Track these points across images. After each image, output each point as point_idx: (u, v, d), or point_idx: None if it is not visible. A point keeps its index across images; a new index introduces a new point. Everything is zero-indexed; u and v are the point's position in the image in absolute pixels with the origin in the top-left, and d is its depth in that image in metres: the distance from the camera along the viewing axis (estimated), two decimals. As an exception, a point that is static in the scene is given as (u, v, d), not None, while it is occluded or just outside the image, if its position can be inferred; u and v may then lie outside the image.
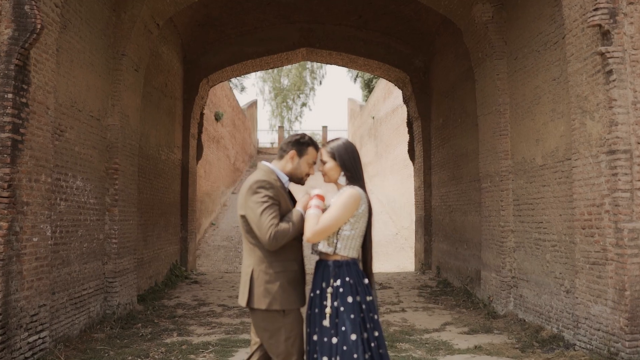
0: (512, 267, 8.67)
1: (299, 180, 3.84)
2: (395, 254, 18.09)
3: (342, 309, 3.57)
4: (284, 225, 3.56)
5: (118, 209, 8.66)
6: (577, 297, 6.41)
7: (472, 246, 10.86)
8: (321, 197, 3.70)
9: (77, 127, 7.53)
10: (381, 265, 16.65)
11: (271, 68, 16.67)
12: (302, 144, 3.86)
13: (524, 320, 8.08)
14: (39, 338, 6.02)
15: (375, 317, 3.70)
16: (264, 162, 3.87)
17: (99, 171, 8.37)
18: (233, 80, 33.82)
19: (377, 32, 14.84)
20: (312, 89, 44.54)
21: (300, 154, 3.84)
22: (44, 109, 6.21)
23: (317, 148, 3.90)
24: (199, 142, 15.13)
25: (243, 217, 3.69)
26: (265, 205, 3.56)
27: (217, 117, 20.55)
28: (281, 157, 3.88)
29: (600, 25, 5.80)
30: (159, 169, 11.94)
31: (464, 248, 11.48)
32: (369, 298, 3.68)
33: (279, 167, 3.84)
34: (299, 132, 3.99)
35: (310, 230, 3.55)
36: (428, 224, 14.44)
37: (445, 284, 12.05)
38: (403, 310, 9.43)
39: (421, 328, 8.00)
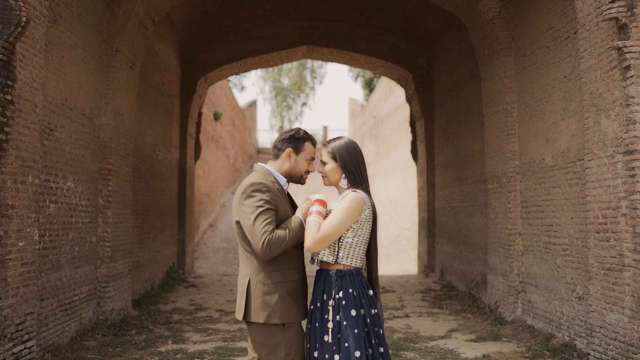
0: (520, 271, 8.37)
1: (299, 179, 3.54)
2: (397, 256, 17.79)
3: (345, 323, 3.28)
4: (280, 233, 3.26)
5: (112, 210, 8.37)
6: (590, 305, 6.11)
7: (478, 249, 10.56)
8: (322, 203, 3.39)
9: (67, 126, 7.23)
10: (383, 267, 16.34)
11: (271, 66, 16.39)
12: (298, 139, 3.55)
13: (533, 327, 7.77)
14: (25, 348, 5.71)
15: (381, 331, 3.41)
16: (260, 164, 3.57)
17: (92, 172, 8.07)
18: (233, 79, 33.56)
19: (379, 30, 14.53)
20: (313, 88, 44.23)
21: (297, 150, 3.53)
22: (31, 106, 5.91)
23: (314, 142, 3.60)
24: (197, 141, 14.83)
25: (238, 223, 3.40)
26: (260, 210, 3.26)
27: (216, 117, 20.25)
28: (277, 156, 3.56)
29: (616, 19, 5.49)
30: (156, 169, 11.64)
31: (468, 251, 11.18)
32: (373, 311, 3.39)
33: (276, 168, 3.53)
34: (293, 127, 3.65)
35: (310, 238, 3.25)
36: (431, 225, 14.13)
37: (449, 288, 11.74)
38: (407, 315, 9.12)
39: (426, 335, 7.69)
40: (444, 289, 11.73)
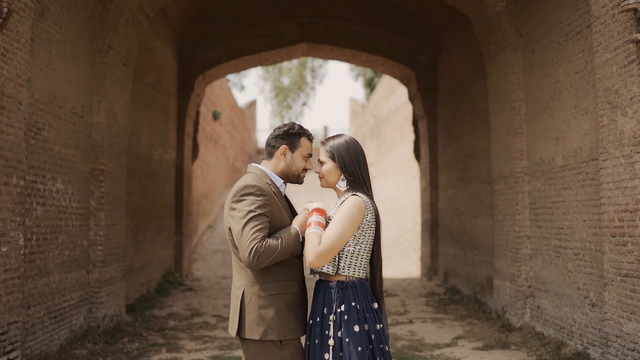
0: (529, 275, 8.05)
1: (296, 178, 3.22)
2: (399, 257, 17.48)
3: (347, 340, 2.98)
4: (271, 242, 2.93)
5: (104, 213, 8.05)
6: (606, 312, 5.79)
7: (483, 252, 10.24)
8: (321, 212, 3.07)
9: (56, 125, 6.92)
10: (384, 269, 15.92)
11: (270, 64, 16.09)
12: (293, 135, 3.23)
13: (543, 334, 7.45)
14: (8, 359, 5.40)
15: (387, 348, 3.10)
16: (254, 164, 3.25)
17: (83, 172, 7.76)
18: (232, 79, 33.25)
19: (381, 27, 14.21)
20: (313, 88, 43.85)
21: (293, 147, 3.21)
22: (16, 103, 5.60)
23: (310, 137, 3.28)
24: (195, 141, 14.51)
25: (230, 229, 3.09)
26: (252, 215, 2.95)
27: (215, 116, 19.93)
28: (270, 155, 3.24)
29: (635, 10, 5.17)
30: (152, 169, 11.33)
31: (473, 253, 10.86)
32: (379, 326, 3.08)
33: (270, 168, 3.21)
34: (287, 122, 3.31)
35: (312, 253, 2.93)
36: (434, 227, 13.80)
37: (453, 292, 11.42)
38: (410, 321, 8.80)
39: (431, 342, 7.38)
40: (448, 293, 11.41)
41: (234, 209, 3.02)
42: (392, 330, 8.06)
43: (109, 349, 6.98)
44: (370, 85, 32.84)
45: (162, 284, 11.70)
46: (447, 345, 7.26)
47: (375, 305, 3.13)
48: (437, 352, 6.90)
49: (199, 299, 10.99)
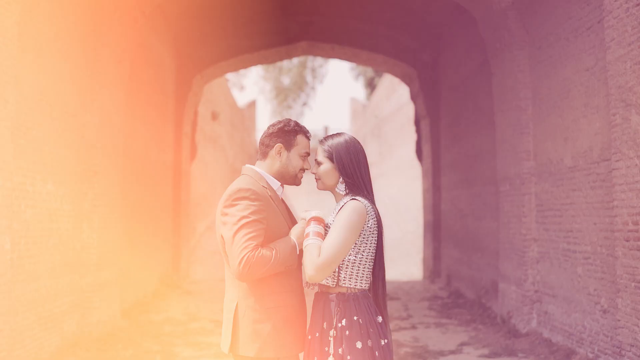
0: (535, 279, 7.80)
1: (293, 179, 2.98)
2: (400, 259, 17.24)
3: (348, 357, 2.76)
4: (264, 253, 2.69)
5: (98, 215, 7.81)
6: (619, 320, 5.54)
7: (488, 254, 10.00)
8: (319, 220, 2.83)
9: (47, 124, 6.66)
10: (386, 271, 15.76)
11: (269, 63, 15.86)
12: (288, 132, 2.99)
13: (550, 341, 7.21)
14: (-7, 370, 5.16)
15: (392, 366, 2.86)
16: (249, 166, 3.00)
17: (75, 174, 7.51)
18: (232, 79, 33.04)
19: (382, 25, 13.97)
20: (313, 88, 43.65)
21: (289, 145, 2.96)
22: (2, 102, 5.36)
23: (308, 135, 3.05)
24: (193, 141, 14.26)
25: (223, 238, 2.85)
26: (245, 221, 2.70)
27: (214, 116, 19.69)
28: (265, 154, 2.99)
29: (651, 3, 4.93)
30: (148, 170, 11.08)
31: (477, 256, 10.61)
32: (383, 341, 2.84)
33: (265, 169, 2.96)
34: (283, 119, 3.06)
35: (312, 266, 2.69)
36: (437, 229, 13.55)
37: (457, 295, 11.17)
38: (413, 326, 8.55)
39: (435, 349, 7.13)
40: (451, 297, 11.16)
41: (226, 214, 2.78)
42: (395, 336, 7.80)
43: (102, 356, 6.74)
44: (371, 85, 32.67)
45: (158, 287, 11.44)
46: (452, 352, 7.01)
47: (380, 318, 2.89)
48: (441, 359, 6.65)
49: (197, 302, 10.75)
